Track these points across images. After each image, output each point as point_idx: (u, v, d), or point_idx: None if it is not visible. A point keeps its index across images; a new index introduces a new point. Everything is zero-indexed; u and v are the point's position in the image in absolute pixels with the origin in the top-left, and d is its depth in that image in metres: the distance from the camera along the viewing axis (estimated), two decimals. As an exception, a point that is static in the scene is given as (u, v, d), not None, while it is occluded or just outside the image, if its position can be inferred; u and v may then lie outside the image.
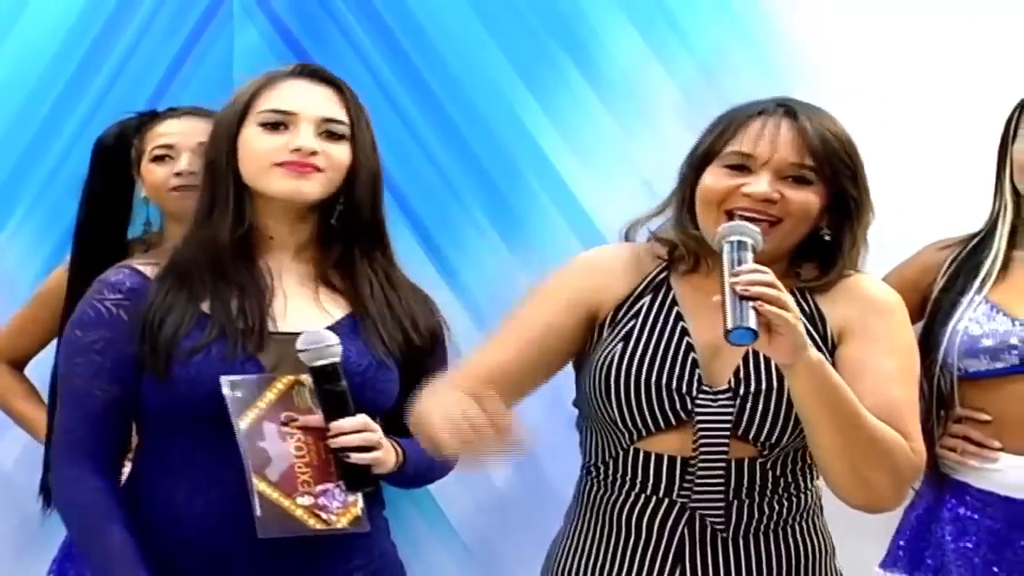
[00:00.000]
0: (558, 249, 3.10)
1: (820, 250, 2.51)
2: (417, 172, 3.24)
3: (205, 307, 2.55)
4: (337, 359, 2.48)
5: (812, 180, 2.44)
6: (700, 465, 2.44)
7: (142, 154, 3.06)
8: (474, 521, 3.25)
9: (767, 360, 2.44)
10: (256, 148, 2.56)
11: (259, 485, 2.46)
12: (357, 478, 2.50)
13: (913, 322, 2.99)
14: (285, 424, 2.49)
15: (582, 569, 2.54)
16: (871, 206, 2.51)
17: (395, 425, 2.59)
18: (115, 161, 3.10)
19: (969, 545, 2.96)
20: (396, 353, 2.61)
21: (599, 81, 3.22)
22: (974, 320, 2.94)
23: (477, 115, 3.24)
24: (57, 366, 2.69)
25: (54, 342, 2.99)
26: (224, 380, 2.48)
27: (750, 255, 2.31)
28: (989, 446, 2.95)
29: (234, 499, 2.49)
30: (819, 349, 2.40)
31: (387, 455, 2.53)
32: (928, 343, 2.97)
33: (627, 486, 2.49)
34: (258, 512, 2.45)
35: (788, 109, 2.46)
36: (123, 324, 2.54)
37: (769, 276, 2.25)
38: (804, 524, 2.54)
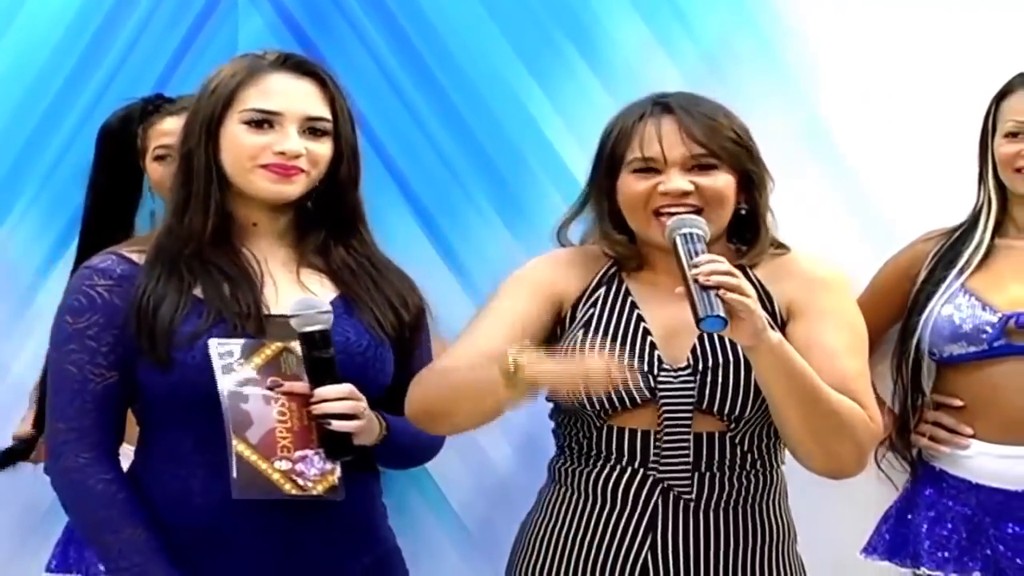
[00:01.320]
0: (562, 237, 3.11)
1: (742, 226, 2.63)
2: (421, 159, 3.24)
3: (198, 292, 2.55)
4: (327, 326, 2.50)
5: (715, 164, 2.55)
6: (666, 438, 2.54)
7: (147, 149, 3.07)
8: (476, 504, 3.26)
9: (721, 337, 2.53)
10: (240, 147, 2.56)
11: (238, 446, 2.47)
12: (337, 446, 2.52)
13: (902, 310, 3.01)
14: (270, 389, 2.50)
15: (556, 537, 2.62)
16: (770, 176, 2.62)
17: (389, 401, 2.62)
18: (120, 147, 3.10)
19: (944, 532, 2.99)
20: (390, 331, 2.64)
21: (603, 69, 3.21)
22: (949, 306, 2.96)
23: (481, 102, 3.23)
24: (47, 360, 2.66)
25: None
26: (212, 343, 2.49)
27: (702, 245, 2.42)
28: (961, 432, 2.98)
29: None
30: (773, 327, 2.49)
31: (370, 425, 2.55)
32: (906, 331, 3.00)
33: (601, 458, 2.59)
34: (234, 473, 2.47)
35: (665, 106, 2.58)
36: (117, 309, 2.54)
37: (726, 265, 2.37)
38: (771, 504, 2.62)
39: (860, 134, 3.15)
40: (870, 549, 3.09)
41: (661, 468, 2.55)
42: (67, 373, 2.54)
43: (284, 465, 2.50)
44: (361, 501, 2.61)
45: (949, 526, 2.99)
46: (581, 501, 2.61)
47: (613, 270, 2.65)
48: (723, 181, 2.55)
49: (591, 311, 2.62)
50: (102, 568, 2.58)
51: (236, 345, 2.50)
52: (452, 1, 3.22)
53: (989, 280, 2.99)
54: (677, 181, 2.53)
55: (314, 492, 2.51)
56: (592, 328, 2.59)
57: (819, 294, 2.59)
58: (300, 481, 2.50)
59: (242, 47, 3.10)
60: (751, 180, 2.59)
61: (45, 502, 3.27)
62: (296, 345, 2.52)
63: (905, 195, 3.14)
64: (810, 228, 3.07)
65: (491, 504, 3.25)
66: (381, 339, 2.62)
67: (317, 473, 2.51)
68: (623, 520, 2.57)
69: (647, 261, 2.64)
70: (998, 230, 3.02)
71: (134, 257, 2.59)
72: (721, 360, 2.54)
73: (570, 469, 2.63)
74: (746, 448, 2.57)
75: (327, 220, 2.64)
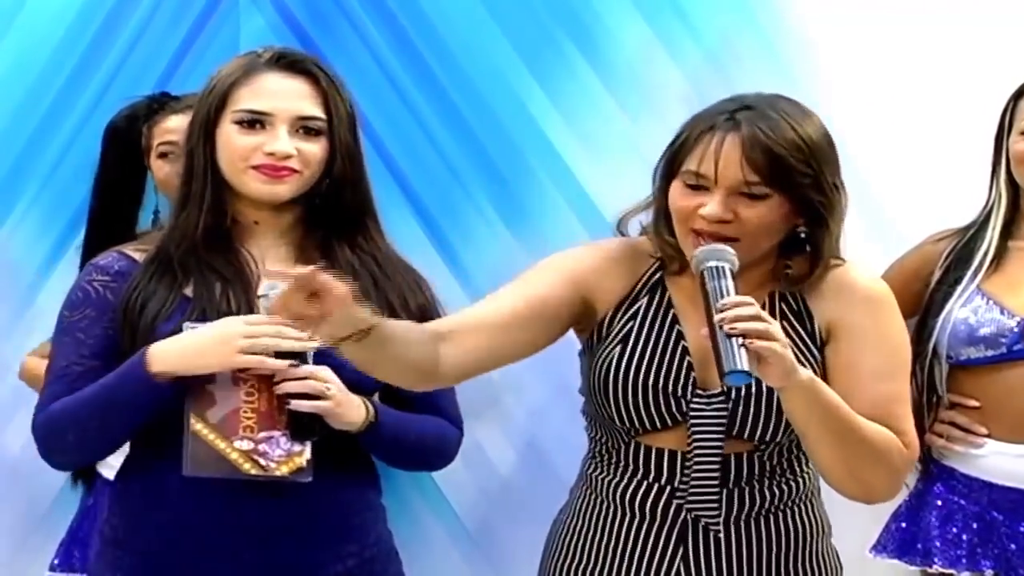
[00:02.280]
0: (563, 238, 3.09)
1: (804, 245, 2.51)
2: (422, 160, 3.23)
3: (188, 291, 2.57)
4: None
5: (766, 193, 2.42)
6: (695, 462, 2.49)
7: (151, 147, 3.07)
8: (478, 508, 3.25)
9: None
10: (232, 147, 2.58)
11: (195, 425, 2.49)
12: (301, 427, 2.51)
13: (912, 313, 3.00)
14: (241, 371, 2.51)
15: (586, 545, 2.59)
16: (841, 201, 2.50)
17: (392, 401, 2.63)
18: (125, 144, 3.11)
19: (954, 530, 2.98)
20: None
21: (605, 70, 3.20)
22: (966, 309, 2.95)
23: (482, 103, 3.23)
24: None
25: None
26: (186, 325, 2.51)
27: (730, 282, 2.32)
28: (975, 432, 2.97)
29: (227, 485, 2.51)
30: (806, 347, 2.48)
31: (346, 410, 2.54)
32: (921, 333, 2.99)
33: (629, 472, 2.54)
34: (187, 450, 2.48)
35: (736, 122, 2.42)
36: (108, 304, 2.57)
37: (753, 308, 2.27)
38: (802, 506, 2.58)
39: (863, 134, 3.13)
40: (880, 547, 3.08)
41: (689, 490, 2.50)
42: (55, 364, 2.59)
43: (245, 445, 2.50)
44: (349, 501, 2.59)
45: (960, 524, 2.98)
46: (612, 512, 2.57)
47: (658, 275, 2.56)
48: (767, 212, 2.42)
49: (630, 324, 2.54)
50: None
51: (207, 326, 2.52)
52: (454, 2, 3.22)
53: (1004, 282, 2.98)
54: (715, 208, 2.40)
55: (277, 473, 2.50)
56: (631, 344, 2.52)
57: (861, 311, 2.52)
58: (262, 461, 2.49)
59: (244, 47, 3.09)
60: (812, 206, 2.45)
61: (45, 502, 3.29)
62: None
63: (909, 195, 3.13)
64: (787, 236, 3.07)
65: (492, 505, 3.25)
66: None
67: (283, 454, 2.51)
68: (653, 533, 2.54)
69: (690, 268, 2.54)
70: (1009, 229, 3.00)
71: (135, 255, 2.62)
72: (755, 389, 2.46)
73: (601, 478, 2.59)
74: (775, 463, 2.53)
75: (330, 218, 2.64)
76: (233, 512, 2.51)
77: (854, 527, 3.05)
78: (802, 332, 2.51)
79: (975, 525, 2.97)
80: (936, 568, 2.97)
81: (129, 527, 2.59)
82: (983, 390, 2.98)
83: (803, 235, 2.49)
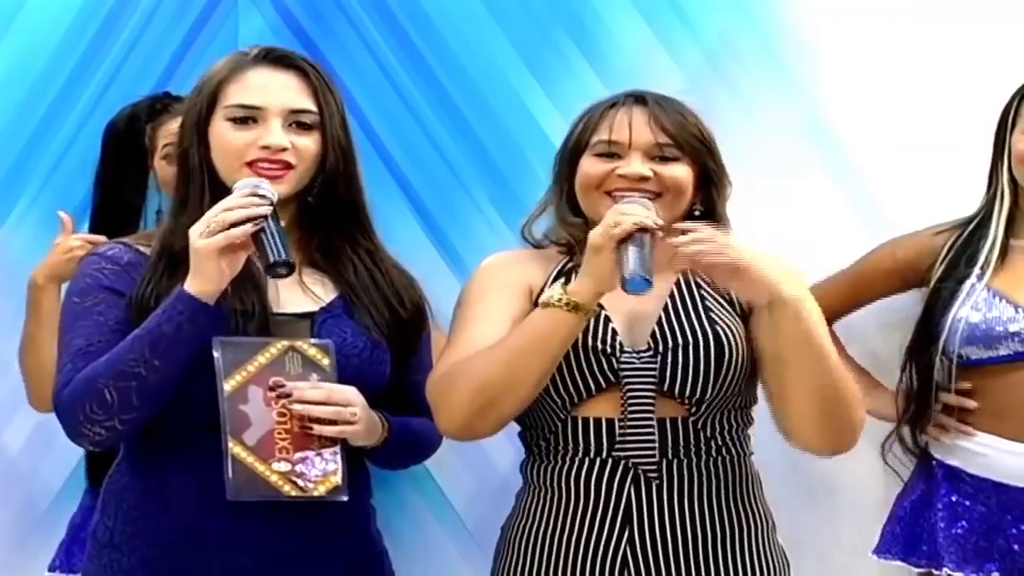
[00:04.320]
0: (563, 237, 3.10)
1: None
2: (422, 159, 3.24)
3: None
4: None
5: (677, 156, 2.60)
6: (629, 421, 2.56)
7: (155, 148, 3.07)
8: (478, 507, 3.25)
9: (680, 320, 2.59)
10: (226, 145, 2.56)
11: (233, 448, 2.46)
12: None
13: (888, 294, 3.00)
14: (272, 389, 2.49)
15: (536, 538, 2.62)
16: (729, 180, 2.66)
17: (387, 402, 2.62)
18: (126, 145, 3.11)
19: (961, 531, 2.97)
20: (385, 330, 2.63)
21: (605, 69, 3.20)
22: (975, 308, 2.94)
23: (482, 102, 3.23)
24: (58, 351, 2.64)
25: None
26: (216, 341, 2.48)
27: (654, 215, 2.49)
28: (967, 406, 2.96)
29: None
30: (729, 314, 2.60)
31: (369, 428, 2.54)
32: (927, 331, 2.98)
33: (569, 452, 2.60)
34: (229, 474, 2.45)
35: (639, 98, 2.64)
36: (120, 293, 2.53)
37: (708, 231, 2.46)
38: (746, 494, 2.63)
39: (861, 132, 3.14)
40: (883, 549, 3.06)
41: (626, 452, 2.55)
42: (73, 343, 2.52)
43: (283, 467, 2.48)
44: (340, 505, 2.56)
45: (966, 524, 2.97)
46: (555, 499, 2.61)
47: (571, 265, 2.65)
48: (683, 172, 2.60)
49: None
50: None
51: (240, 343, 2.50)
52: (454, 1, 3.22)
53: (1011, 280, 2.96)
54: (636, 165, 2.58)
55: (315, 493, 2.49)
56: None
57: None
58: (300, 482, 2.48)
59: (243, 46, 3.09)
60: (710, 178, 2.63)
61: (45, 502, 3.29)
62: (302, 344, 2.52)
63: (906, 193, 3.13)
64: (810, 226, 3.08)
65: (492, 504, 3.23)
66: (378, 340, 2.60)
67: (319, 474, 2.50)
68: (599, 514, 2.58)
69: None
70: (1011, 227, 3.00)
71: (141, 248, 2.59)
72: (681, 341, 2.56)
73: (540, 468, 2.63)
74: (709, 434, 2.58)
75: (328, 216, 2.63)
76: (234, 516, 2.50)
77: (855, 527, 3.06)
78: (720, 299, 2.63)
79: (982, 526, 2.96)
80: (945, 570, 2.96)
81: (128, 530, 2.56)
82: (992, 391, 2.96)
83: (697, 212, 2.63)
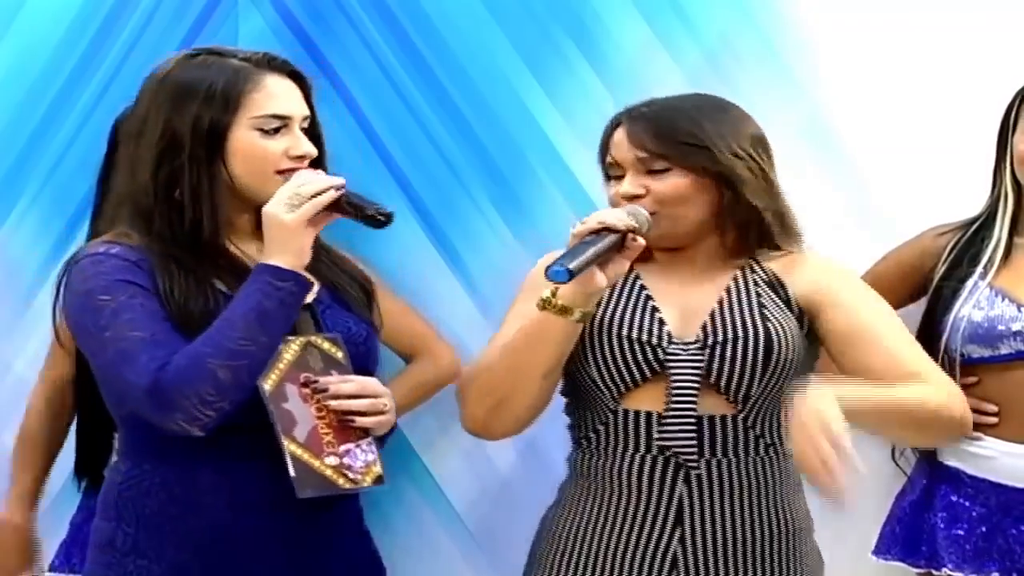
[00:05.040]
0: (564, 238, 3.07)
1: (745, 225, 2.65)
2: (423, 160, 3.24)
3: (220, 285, 2.54)
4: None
5: (665, 167, 2.60)
6: (671, 410, 2.57)
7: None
8: (478, 507, 3.26)
9: (732, 314, 2.60)
10: (258, 154, 2.55)
11: (290, 446, 2.49)
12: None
13: (904, 304, 3.00)
14: (304, 386, 2.52)
15: (584, 531, 2.63)
16: (753, 170, 2.63)
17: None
18: None
19: (960, 532, 2.97)
20: (368, 314, 2.68)
21: (604, 67, 3.20)
22: (977, 306, 2.95)
23: (482, 101, 3.23)
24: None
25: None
26: None
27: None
28: (986, 410, 2.96)
29: (260, 480, 2.51)
30: (782, 312, 2.61)
31: (391, 416, 2.61)
32: (930, 330, 2.98)
33: (620, 447, 2.61)
34: (292, 472, 2.48)
35: (630, 112, 2.66)
36: (143, 286, 2.49)
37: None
38: (792, 493, 2.64)
39: (861, 133, 3.14)
40: (883, 550, 3.06)
41: (667, 443, 2.56)
42: (131, 336, 2.45)
43: (333, 460, 2.52)
44: (330, 503, 2.58)
45: (965, 525, 2.97)
46: (605, 494, 2.61)
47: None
48: (676, 183, 2.59)
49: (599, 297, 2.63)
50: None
51: None
52: (454, 1, 3.22)
53: (1014, 279, 2.96)
54: (626, 185, 2.61)
55: (364, 484, 2.54)
56: (602, 306, 2.61)
57: (839, 284, 2.67)
58: (350, 475, 2.53)
59: (242, 46, 3.09)
60: (723, 177, 2.60)
61: (45, 502, 3.28)
62: (316, 339, 2.55)
63: (907, 193, 3.13)
64: (810, 226, 3.06)
65: (493, 504, 3.25)
66: (372, 324, 2.66)
67: (363, 465, 2.54)
68: (650, 513, 2.58)
69: (652, 256, 2.67)
70: (1015, 226, 3.00)
71: (134, 243, 2.54)
72: (731, 335, 2.58)
73: (590, 461, 2.64)
74: (759, 432, 2.59)
75: None
76: (269, 517, 2.52)
77: (854, 527, 3.06)
78: (776, 299, 2.63)
79: (982, 527, 2.96)
80: (944, 571, 2.96)
81: (154, 535, 2.54)
82: (994, 390, 2.96)
83: (734, 212, 2.63)
